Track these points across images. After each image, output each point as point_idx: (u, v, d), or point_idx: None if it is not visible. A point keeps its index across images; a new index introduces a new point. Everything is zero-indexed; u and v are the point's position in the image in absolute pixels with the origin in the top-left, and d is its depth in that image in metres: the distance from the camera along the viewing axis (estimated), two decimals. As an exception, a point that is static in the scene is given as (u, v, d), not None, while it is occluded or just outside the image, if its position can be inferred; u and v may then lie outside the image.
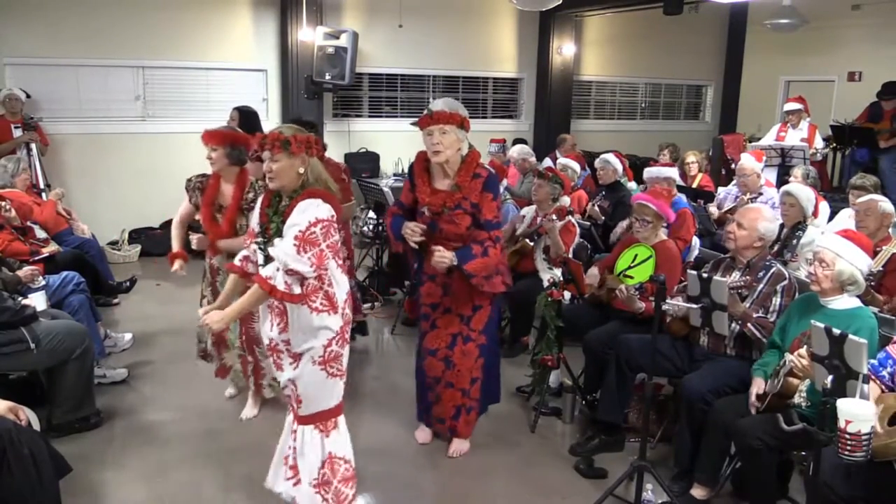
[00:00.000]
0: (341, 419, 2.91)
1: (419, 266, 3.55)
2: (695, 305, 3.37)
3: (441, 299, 3.55)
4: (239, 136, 3.77)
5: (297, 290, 2.63)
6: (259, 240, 2.83)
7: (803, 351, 2.82)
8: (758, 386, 3.03)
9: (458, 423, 3.67)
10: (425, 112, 3.38)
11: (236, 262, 2.96)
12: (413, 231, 3.36)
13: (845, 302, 2.97)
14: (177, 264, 3.81)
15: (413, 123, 3.46)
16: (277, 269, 2.61)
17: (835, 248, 2.95)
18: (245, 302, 2.72)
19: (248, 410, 4.04)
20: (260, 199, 2.92)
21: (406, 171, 8.69)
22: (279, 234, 2.71)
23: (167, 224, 7.68)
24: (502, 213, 5.62)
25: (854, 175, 5.45)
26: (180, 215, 3.95)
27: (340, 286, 2.76)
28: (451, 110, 3.32)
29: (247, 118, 5.26)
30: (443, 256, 3.28)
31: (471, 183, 3.34)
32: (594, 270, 4.24)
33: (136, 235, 7.67)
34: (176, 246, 3.88)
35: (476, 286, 3.39)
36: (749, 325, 3.28)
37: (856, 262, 2.93)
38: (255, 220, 2.91)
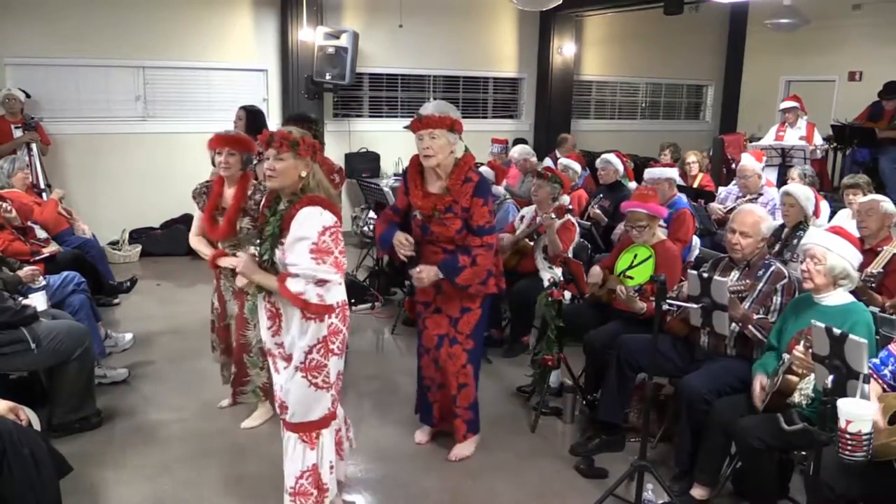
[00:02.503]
0: (327, 433, 2.85)
1: (414, 264, 3.51)
2: (695, 305, 3.37)
3: (433, 298, 3.53)
4: (251, 142, 3.76)
5: (328, 299, 2.66)
6: (256, 241, 2.84)
7: (801, 347, 2.82)
8: (759, 380, 3.03)
9: (446, 424, 3.72)
10: (415, 116, 3.36)
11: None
12: (402, 244, 3.37)
13: (839, 297, 2.99)
14: (226, 261, 3.36)
15: (406, 127, 3.45)
16: (307, 284, 2.59)
17: (824, 243, 2.98)
18: (268, 281, 2.68)
19: (249, 420, 3.95)
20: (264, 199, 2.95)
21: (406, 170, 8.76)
22: (274, 237, 2.70)
23: (168, 224, 7.71)
24: (502, 214, 5.63)
25: (855, 175, 5.45)
26: (198, 227, 3.81)
27: (332, 294, 2.72)
28: (440, 114, 3.28)
29: (254, 118, 5.24)
30: (420, 276, 3.31)
31: (461, 187, 3.32)
32: (597, 269, 4.24)
33: (136, 235, 7.67)
34: (208, 252, 3.66)
35: (471, 292, 3.40)
36: (750, 326, 3.28)
37: (846, 256, 2.96)
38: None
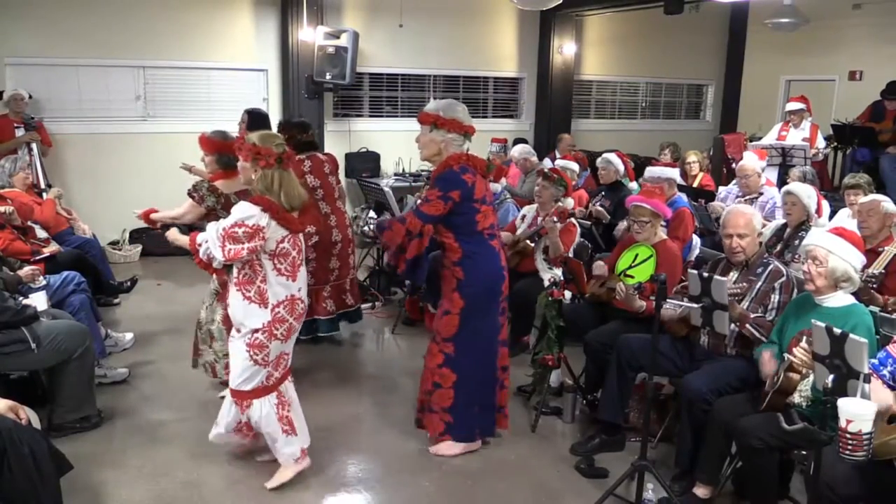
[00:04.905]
0: (259, 404, 3.16)
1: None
2: (695, 305, 3.37)
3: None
4: (228, 144, 3.83)
5: (215, 265, 3.07)
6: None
7: (804, 344, 2.81)
8: (767, 356, 3.04)
9: (424, 417, 3.74)
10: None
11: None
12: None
13: (840, 299, 2.98)
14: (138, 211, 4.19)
15: None
16: (205, 242, 3.01)
17: (826, 245, 2.96)
18: (184, 239, 3.20)
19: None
20: None
21: (406, 170, 8.78)
22: None
23: (168, 225, 7.68)
24: (502, 213, 5.63)
25: (856, 174, 5.43)
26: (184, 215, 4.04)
27: (277, 287, 3.06)
28: (429, 110, 3.44)
29: (255, 120, 5.27)
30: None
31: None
32: (601, 263, 4.24)
33: (136, 235, 7.67)
34: (159, 213, 4.21)
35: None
36: (747, 325, 3.28)
37: (848, 259, 2.94)
38: None
